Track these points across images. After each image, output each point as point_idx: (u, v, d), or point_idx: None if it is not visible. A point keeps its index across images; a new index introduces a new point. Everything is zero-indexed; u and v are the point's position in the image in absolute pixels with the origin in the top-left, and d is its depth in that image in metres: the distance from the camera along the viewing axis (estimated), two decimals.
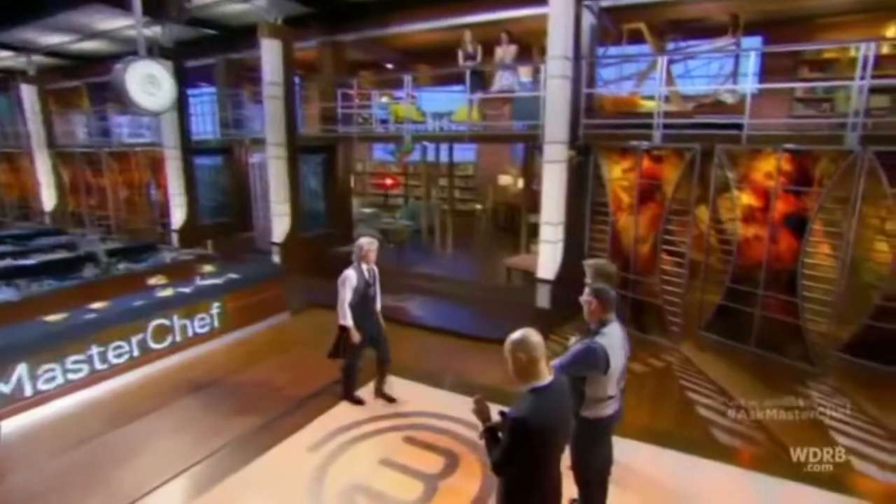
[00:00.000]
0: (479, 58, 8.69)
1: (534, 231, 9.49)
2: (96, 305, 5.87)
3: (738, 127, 6.26)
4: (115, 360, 5.69)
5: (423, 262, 10.15)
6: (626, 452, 3.98)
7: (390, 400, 5.15)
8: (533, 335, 2.39)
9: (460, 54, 8.75)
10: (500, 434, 2.44)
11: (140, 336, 5.92)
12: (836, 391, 5.50)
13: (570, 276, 7.53)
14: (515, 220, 11.44)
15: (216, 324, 6.76)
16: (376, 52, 11.69)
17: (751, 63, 6.44)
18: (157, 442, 4.66)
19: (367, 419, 4.90)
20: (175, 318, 6.28)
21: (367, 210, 12.79)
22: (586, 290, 3.20)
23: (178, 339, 6.32)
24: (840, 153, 5.55)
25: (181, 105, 10.84)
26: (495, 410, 2.54)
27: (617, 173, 7.24)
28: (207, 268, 7.52)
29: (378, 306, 5.11)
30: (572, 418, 2.65)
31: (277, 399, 5.35)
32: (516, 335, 2.38)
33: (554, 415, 2.34)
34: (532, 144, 8.95)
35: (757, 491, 4.00)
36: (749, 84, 6.30)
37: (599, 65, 8.00)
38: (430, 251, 10.83)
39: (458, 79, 9.31)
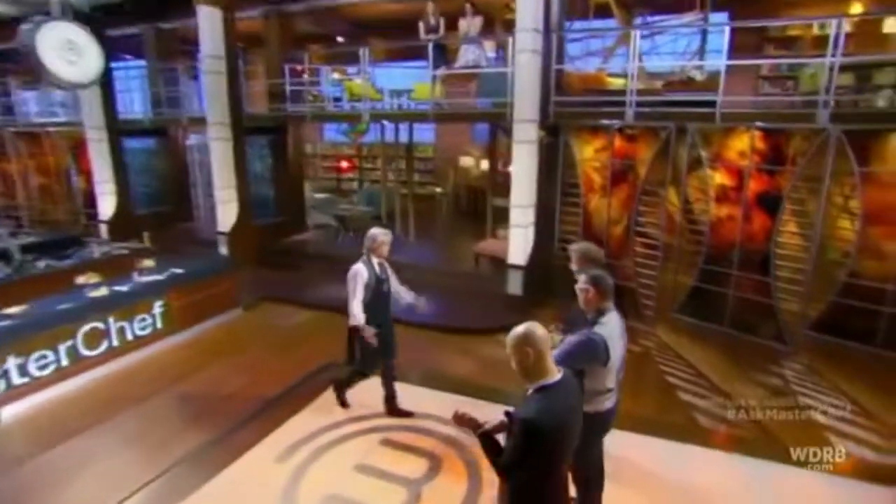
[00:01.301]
0: (441, 31, 8.42)
1: (500, 215, 9.43)
2: (12, 310, 5.27)
3: (711, 105, 6.34)
4: (38, 373, 5.15)
5: None
6: (615, 444, 3.95)
7: (408, 414, 4.79)
8: (538, 328, 2.28)
9: (421, 27, 8.45)
10: (496, 435, 2.37)
11: (69, 343, 5.40)
12: (809, 369, 5.73)
13: (542, 261, 7.54)
14: (479, 204, 11.35)
15: (159, 324, 6.29)
16: (328, 23, 11.19)
17: (724, 39, 6.51)
18: (98, 464, 4.24)
19: (337, 422, 4.67)
20: (111, 320, 5.78)
21: (321, 195, 12.36)
22: (582, 277, 3.10)
23: (115, 343, 5.83)
24: (812, 131, 5.71)
25: (105, 79, 9.98)
26: (479, 412, 2.47)
27: (588, 153, 7.22)
28: (146, 262, 6.99)
29: (410, 298, 4.65)
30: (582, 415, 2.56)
31: (235, 406, 5.02)
32: (520, 330, 2.26)
33: (566, 414, 2.26)
34: (498, 124, 8.80)
35: (747, 475, 4.09)
36: (722, 60, 6.36)
37: (567, 39, 7.92)
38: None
39: (417, 54, 9.01)
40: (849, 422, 4.77)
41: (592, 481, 3.26)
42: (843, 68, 6.30)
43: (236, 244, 9.43)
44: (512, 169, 7.41)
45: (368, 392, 4.91)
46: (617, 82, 8.06)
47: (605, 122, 6.90)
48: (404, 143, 10.22)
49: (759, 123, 5.99)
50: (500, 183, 9.74)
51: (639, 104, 6.68)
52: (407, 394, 4.97)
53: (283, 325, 7.12)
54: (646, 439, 4.47)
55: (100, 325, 5.68)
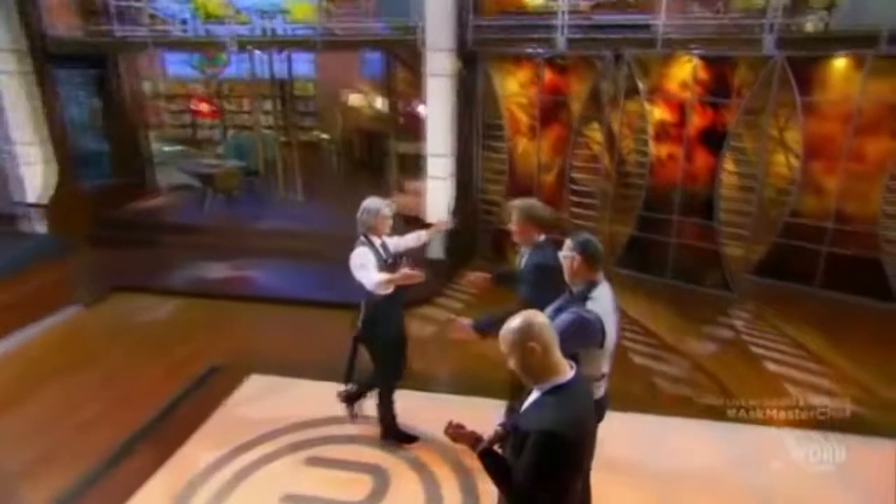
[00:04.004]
0: None
1: (406, 164, 9.08)
2: None
3: (646, 29, 6.39)
4: None
5: (266, 215, 9.23)
6: None
7: (412, 440, 4.28)
8: (538, 316, 2.16)
9: None
10: (497, 448, 2.32)
11: None
12: (757, 317, 6.22)
13: (464, 218, 7.35)
14: (377, 152, 10.87)
15: None
16: None
17: None
18: None
19: (245, 443, 4.23)
20: None
21: (171, 148, 11.10)
22: (567, 242, 2.92)
23: None
24: (758, 59, 5.97)
25: None
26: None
27: (513, 88, 7.08)
28: None
29: (424, 236, 4.25)
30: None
31: (95, 439, 4.30)
32: (517, 322, 2.12)
33: (587, 417, 2.21)
34: (398, 54, 8.31)
35: (721, 439, 4.34)
36: None
37: None
38: (271, 199, 9.86)
39: None
40: (805, 370, 5.25)
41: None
42: None
43: (59, 218, 8.23)
44: (424, 109, 7.05)
45: (270, 398, 4.51)
46: (537, 2, 7.87)
47: (532, 50, 6.73)
48: (279, 79, 9.40)
49: (699, 50, 6.15)
50: (404, 125, 9.34)
51: (571, 29, 6.56)
52: (326, 395, 4.59)
53: (145, 322, 6.36)
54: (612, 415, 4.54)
55: None
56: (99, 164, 9.47)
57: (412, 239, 4.16)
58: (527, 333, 2.08)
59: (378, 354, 3.99)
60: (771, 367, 5.34)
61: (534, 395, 2.17)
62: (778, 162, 7.01)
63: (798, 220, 6.48)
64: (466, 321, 3.25)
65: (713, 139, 6.33)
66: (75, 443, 4.31)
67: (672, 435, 4.42)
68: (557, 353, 2.14)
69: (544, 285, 3.20)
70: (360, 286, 3.71)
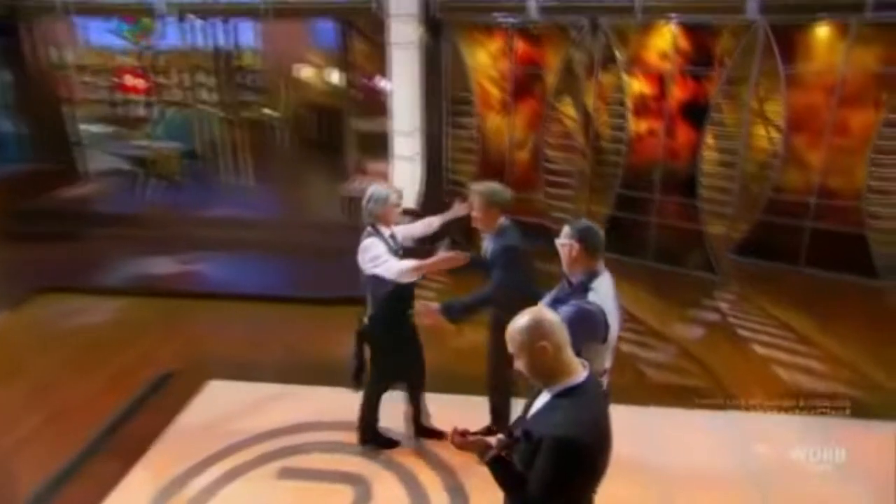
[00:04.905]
0: None
1: (365, 143, 8.90)
2: None
3: None
4: None
5: (212, 202, 8.92)
6: None
7: (438, 435, 4.17)
8: (545, 312, 2.12)
9: None
10: (505, 454, 2.24)
11: None
12: (742, 298, 6.35)
13: (432, 201, 7.21)
14: (332, 130, 10.63)
15: None
16: None
17: None
18: None
19: (210, 457, 4.02)
20: None
21: (100, 129, 10.55)
22: (565, 230, 2.89)
23: None
24: (740, 27, 6.01)
25: None
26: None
27: (483, 59, 6.97)
28: None
29: (436, 222, 4.12)
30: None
31: (25, 466, 4.03)
32: (525, 320, 2.08)
33: (603, 420, 2.14)
34: (353, 23, 8.09)
35: (713, 428, 4.41)
36: None
37: None
38: (218, 184, 9.50)
39: None
40: (794, 353, 5.39)
41: None
42: None
43: None
44: (385, 83, 6.88)
45: (233, 405, 4.44)
46: None
47: (503, 18, 6.61)
48: (223, 51, 9.06)
49: (676, 16, 6.14)
50: (361, 101, 9.13)
51: None
52: (291, 399, 4.59)
53: (79, 326, 5.98)
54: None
55: None
56: (15, 147, 8.95)
57: (421, 227, 4.06)
58: (537, 332, 2.03)
59: (378, 351, 3.86)
60: (760, 350, 5.46)
61: (544, 398, 2.12)
62: (760, 135, 7.14)
63: (781, 197, 6.62)
64: (435, 306, 3.35)
65: (695, 112, 6.36)
66: (8, 466, 4.03)
67: (663, 426, 4.44)
68: (570, 352, 2.09)
69: (516, 267, 3.35)
70: (368, 280, 3.61)
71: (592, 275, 2.86)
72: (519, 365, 2.08)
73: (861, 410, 4.50)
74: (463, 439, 2.23)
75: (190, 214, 8.45)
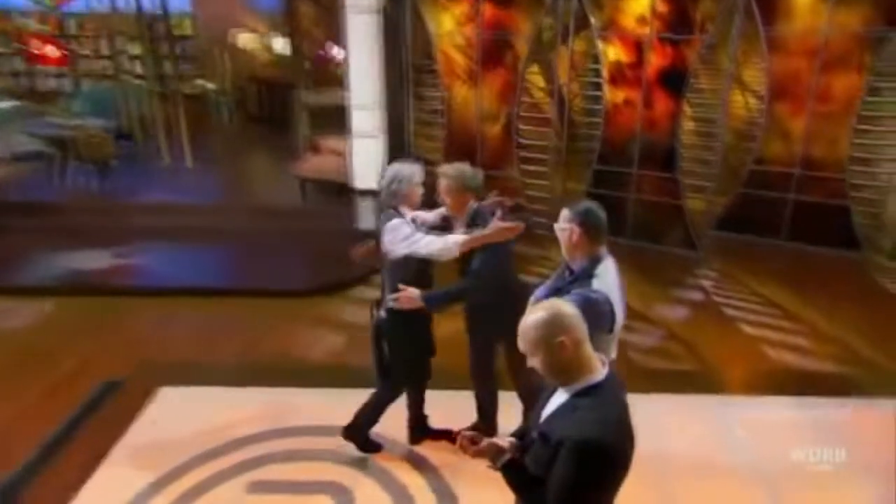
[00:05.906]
0: None
1: (318, 119, 8.72)
2: None
3: None
4: None
5: (146, 187, 8.64)
6: None
7: (445, 435, 4.10)
8: (563, 305, 2.06)
9: None
10: (517, 457, 2.23)
11: None
12: (726, 275, 6.49)
13: None
14: (278, 104, 10.40)
15: None
16: None
17: None
18: None
19: (167, 474, 3.87)
20: None
21: (6, 105, 10.02)
22: (564, 213, 2.85)
23: None
24: None
25: None
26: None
27: (448, 25, 6.87)
28: None
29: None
30: None
31: None
32: (540, 314, 2.02)
33: (627, 418, 2.14)
34: None
35: (705, 413, 4.51)
36: None
37: None
38: (150, 167, 9.18)
39: None
40: (782, 330, 5.55)
41: None
42: None
43: None
44: (339, 52, 6.72)
45: (190, 413, 4.33)
46: None
47: None
48: (149, 14, 8.68)
49: None
50: (311, 72, 8.93)
51: None
52: (253, 402, 4.48)
53: (19, 332, 5.71)
54: None
55: None
56: None
57: (433, 217, 3.91)
58: (555, 326, 1.98)
59: (400, 351, 3.73)
60: (747, 329, 5.59)
61: (560, 398, 2.09)
62: (740, 104, 7.27)
63: (763, 168, 6.76)
64: (416, 292, 3.32)
65: (674, 81, 6.38)
66: None
67: (656, 413, 4.50)
68: (589, 348, 2.05)
69: (494, 250, 3.34)
70: (393, 266, 3.54)
71: (595, 261, 2.83)
72: (534, 363, 2.04)
73: (852, 388, 4.71)
74: (476, 446, 2.20)
75: (122, 202, 8.17)
